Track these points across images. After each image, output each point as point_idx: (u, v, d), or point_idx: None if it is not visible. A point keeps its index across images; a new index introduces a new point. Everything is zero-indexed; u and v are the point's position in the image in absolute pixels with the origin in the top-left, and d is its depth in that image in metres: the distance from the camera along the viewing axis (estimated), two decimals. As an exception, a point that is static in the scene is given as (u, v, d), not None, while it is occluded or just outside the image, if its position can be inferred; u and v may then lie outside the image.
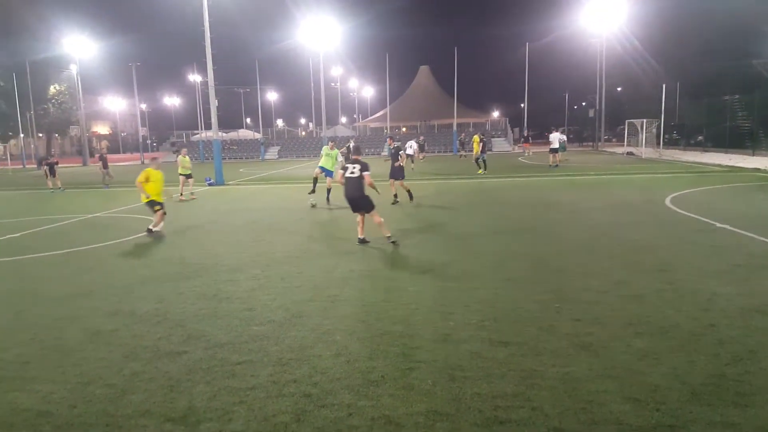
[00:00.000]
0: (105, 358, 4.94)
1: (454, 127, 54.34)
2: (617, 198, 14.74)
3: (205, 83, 30.39)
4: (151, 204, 11.31)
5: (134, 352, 5.01)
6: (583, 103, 75.98)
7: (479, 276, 7.23)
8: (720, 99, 35.34)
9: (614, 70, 54.76)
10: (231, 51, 65.90)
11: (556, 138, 27.77)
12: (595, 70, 51.52)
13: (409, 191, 14.84)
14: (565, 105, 76.19)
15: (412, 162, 28.31)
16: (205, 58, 24.56)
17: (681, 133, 42.22)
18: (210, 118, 26.31)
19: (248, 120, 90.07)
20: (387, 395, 4.00)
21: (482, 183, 19.93)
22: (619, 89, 63.13)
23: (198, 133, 62.97)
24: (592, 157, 36.06)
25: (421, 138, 30.56)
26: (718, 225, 10.11)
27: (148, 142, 69.49)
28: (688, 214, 11.51)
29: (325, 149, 15.74)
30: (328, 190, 15.48)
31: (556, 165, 26.89)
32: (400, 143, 15.52)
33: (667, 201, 13.55)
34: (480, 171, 24.53)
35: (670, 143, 41.23)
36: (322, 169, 15.50)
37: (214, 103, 25.49)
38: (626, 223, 10.84)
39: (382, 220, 9.42)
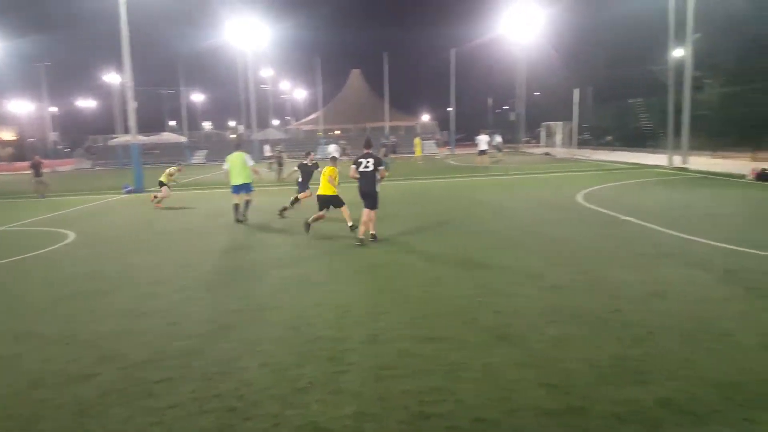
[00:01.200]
0: (10, 385, 4.63)
1: (386, 130, 54.93)
2: (536, 196, 15.48)
3: (123, 84, 29.03)
4: None
5: (41, 378, 4.70)
6: (506, 107, 79.12)
7: (410, 275, 7.41)
8: (625, 102, 37.88)
9: (533, 75, 57.50)
10: (151, 49, 63.22)
11: (483, 140, 28.69)
12: (515, 76, 53.81)
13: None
14: (490, 109, 79.02)
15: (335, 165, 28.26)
16: (123, 58, 23.47)
17: (592, 133, 44.87)
18: (129, 121, 25.15)
19: (172, 122, 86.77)
20: (315, 401, 4.04)
21: (411, 185, 20.29)
22: (537, 94, 66.29)
23: (116, 137, 59.97)
24: (514, 158, 37.53)
25: (342, 142, 30.67)
26: (624, 218, 10.90)
27: (59, 147, 65.24)
28: (598, 209, 12.30)
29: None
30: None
31: (485, 166, 27.71)
32: (316, 162, 13.23)
33: (579, 197, 14.40)
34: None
35: (583, 143, 43.69)
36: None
37: (132, 104, 24.38)
38: (544, 219, 11.43)
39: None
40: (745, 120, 27.34)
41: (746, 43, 33.42)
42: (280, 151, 27.29)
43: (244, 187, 12.60)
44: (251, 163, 12.65)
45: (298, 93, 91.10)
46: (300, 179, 13.22)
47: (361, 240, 9.47)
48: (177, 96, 65.59)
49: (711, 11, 30.15)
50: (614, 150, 37.10)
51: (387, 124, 55.91)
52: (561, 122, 38.34)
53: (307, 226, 10.56)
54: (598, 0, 44.70)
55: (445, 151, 42.29)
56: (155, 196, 17.02)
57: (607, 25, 44.07)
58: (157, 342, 5.40)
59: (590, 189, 16.24)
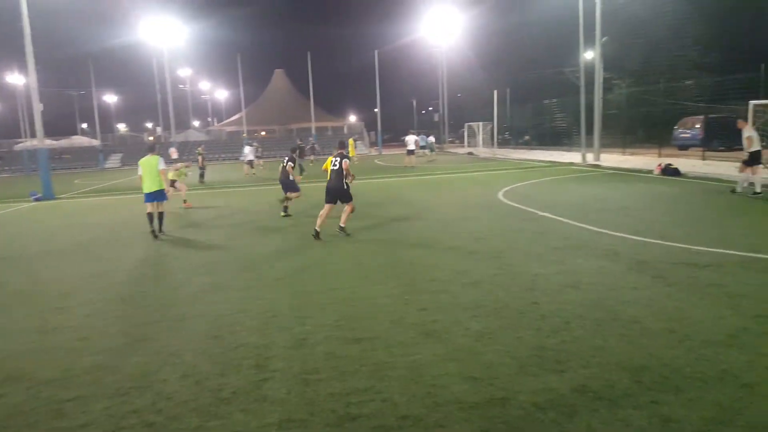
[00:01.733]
0: None
1: (313, 131, 54.47)
2: (460, 194, 15.87)
3: (27, 85, 27.00)
4: None
5: (-60, 403, 4.32)
6: (430, 108, 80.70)
7: (336, 276, 7.36)
8: (541, 103, 39.64)
9: (455, 77, 59.07)
10: (59, 48, 59.26)
11: (411, 140, 29.13)
12: (438, 78, 55.01)
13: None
14: (415, 110, 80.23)
15: (251, 167, 27.64)
16: (26, 57, 21.82)
17: (511, 133, 46.63)
18: (35, 125, 23.43)
19: (84, 125, 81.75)
20: (239, 411, 3.91)
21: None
22: (459, 95, 68.13)
23: (22, 142, 55.77)
24: (439, 158, 38.30)
25: (255, 144, 29.97)
26: (541, 213, 11.38)
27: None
28: (518, 205, 12.77)
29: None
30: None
31: (412, 166, 28.02)
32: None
33: (500, 195, 14.90)
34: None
35: (503, 143, 45.29)
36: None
37: (38, 107, 22.74)
38: (467, 216, 11.72)
39: (352, 211, 10.14)
40: (651, 118, 29.33)
41: (649, 46, 35.93)
42: (199, 154, 26.36)
43: (158, 195, 11.19)
44: (162, 166, 11.15)
45: (219, 93, 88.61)
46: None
47: (318, 232, 9.85)
48: (89, 97, 61.87)
49: (617, 16, 32.19)
50: (532, 149, 38.71)
51: (313, 125, 55.50)
52: (482, 123, 39.59)
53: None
54: (513, 5, 46.62)
55: (372, 152, 42.62)
56: (184, 200, 15.84)
57: (522, 29, 46.10)
58: (66, 359, 5.05)
59: (510, 186, 16.83)
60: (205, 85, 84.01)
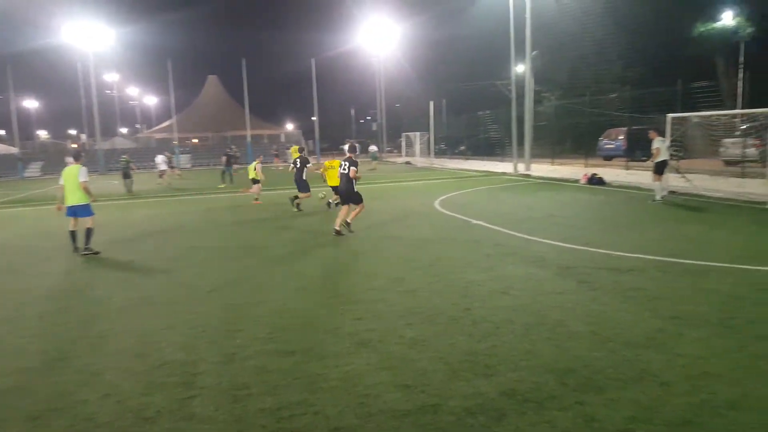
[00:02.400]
0: None
1: (248, 139, 53.47)
2: (398, 203, 15.99)
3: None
4: None
5: None
6: (368, 118, 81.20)
7: (270, 288, 7.22)
8: (476, 114, 40.75)
9: (393, 87, 59.77)
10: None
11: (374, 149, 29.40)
12: (376, 87, 55.46)
13: None
14: (353, 119, 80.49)
15: (160, 177, 26.71)
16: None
17: (447, 143, 47.62)
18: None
19: (1, 132, 76.67)
20: (163, 431, 3.75)
21: (278, 194, 19.89)
22: (397, 105, 68.97)
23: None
24: (378, 168, 38.53)
25: (167, 153, 28.84)
26: (475, 222, 11.65)
27: None
28: (452, 214, 13.02)
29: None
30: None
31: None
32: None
33: (436, 204, 15.15)
34: (221, 185, 24.01)
35: (440, 153, 46.17)
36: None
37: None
38: (405, 225, 11.83)
39: (361, 211, 10.93)
40: (578, 130, 30.71)
41: (576, 61, 37.70)
42: (128, 161, 25.14)
43: (81, 210, 10.00)
44: (83, 178, 9.83)
45: (149, 99, 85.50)
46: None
47: (338, 231, 10.62)
48: (6, 102, 58.16)
49: (546, 31, 33.63)
50: (467, 159, 39.64)
51: (248, 133, 54.46)
52: (419, 133, 40.26)
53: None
54: (448, 19, 47.77)
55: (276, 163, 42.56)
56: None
57: (457, 42, 47.27)
58: (-29, 383, 4.67)
59: (446, 196, 17.14)
60: (133, 91, 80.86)
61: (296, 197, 14.85)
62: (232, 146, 39.66)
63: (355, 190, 10.62)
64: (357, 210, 10.87)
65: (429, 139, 39.77)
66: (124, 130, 79.96)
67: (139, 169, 25.76)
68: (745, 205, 12.91)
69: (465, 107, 45.63)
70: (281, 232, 11.89)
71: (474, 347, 4.88)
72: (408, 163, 40.72)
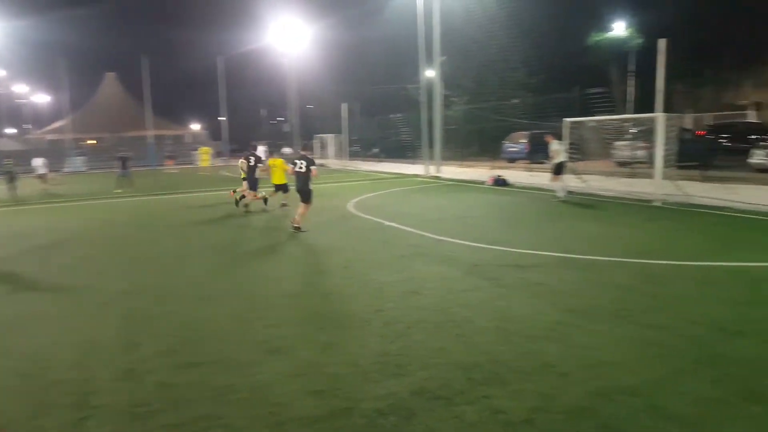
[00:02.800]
0: None
1: (150, 140, 50.83)
2: (314, 205, 15.76)
3: None
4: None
5: None
6: (280, 118, 79.81)
7: (171, 298, 6.86)
8: (388, 117, 41.33)
9: (305, 88, 59.16)
10: None
11: (261, 152, 28.66)
12: (287, 88, 54.64)
13: None
14: (264, 120, 78.71)
15: (44, 181, 24.60)
16: None
17: (361, 146, 47.92)
18: None
19: None
20: (52, 454, 3.45)
21: (180, 198, 19.03)
22: (310, 106, 68.37)
23: None
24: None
25: (41, 160, 26.54)
26: (387, 223, 11.77)
27: None
28: (366, 216, 13.08)
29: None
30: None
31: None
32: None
33: (350, 206, 15.15)
34: (117, 190, 22.67)
35: (354, 155, 46.34)
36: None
37: None
38: (318, 228, 11.68)
39: (306, 211, 11.12)
40: (484, 133, 31.97)
41: (482, 67, 39.21)
42: (12, 165, 22.88)
43: None
44: None
45: (39, 98, 79.04)
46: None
47: (297, 228, 10.92)
48: None
49: (454, 37, 34.68)
50: (381, 161, 40.05)
51: (150, 133, 51.80)
52: (333, 135, 40.20)
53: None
54: (360, 22, 48.14)
55: (218, 162, 41.15)
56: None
57: (369, 45, 47.75)
58: None
59: (360, 197, 17.19)
60: (22, 89, 74.41)
61: (243, 197, 14.88)
62: (121, 148, 36.84)
63: (310, 188, 10.98)
64: (302, 210, 11.11)
65: (342, 141, 39.82)
66: (10, 131, 73.34)
67: (23, 173, 23.50)
68: (635, 203, 13.97)
69: (378, 110, 46.16)
70: (184, 238, 11.38)
71: (386, 348, 4.91)
72: (321, 165, 40.47)
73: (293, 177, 11.26)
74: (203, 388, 4.30)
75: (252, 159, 14.87)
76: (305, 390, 4.17)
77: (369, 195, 18.10)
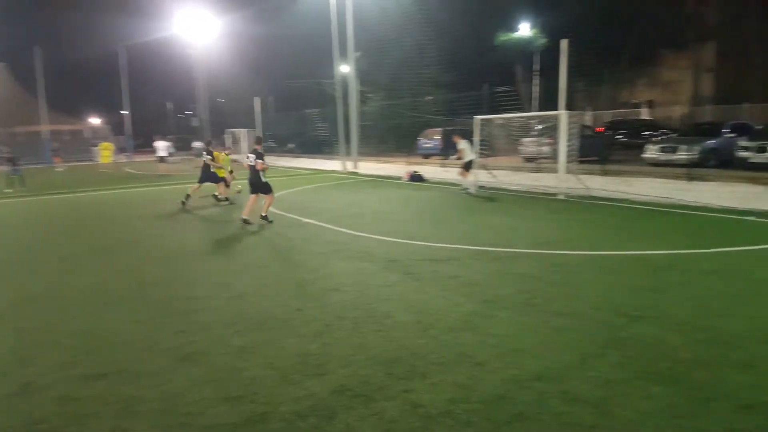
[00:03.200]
0: None
1: (44, 135, 47.02)
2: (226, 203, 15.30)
3: None
4: None
5: None
6: (188, 112, 76.51)
7: (72, 305, 6.36)
8: (304, 112, 40.83)
9: (215, 81, 57.18)
10: None
11: (162, 146, 27.59)
12: (196, 80, 52.56)
13: None
14: (171, 113, 74.96)
15: None
16: None
17: (276, 141, 47.03)
18: None
19: None
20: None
21: (80, 197, 17.74)
22: (221, 100, 66.11)
23: None
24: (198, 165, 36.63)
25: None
26: (305, 220, 11.63)
27: None
28: (283, 213, 12.83)
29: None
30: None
31: (168, 174, 26.22)
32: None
33: (266, 203, 14.79)
34: (8, 189, 21.01)
35: (268, 150, 45.35)
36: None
37: None
38: (230, 225, 11.34)
39: (271, 202, 11.48)
40: (400, 130, 32.37)
41: (397, 63, 39.64)
42: None
43: None
44: None
45: None
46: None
47: (246, 220, 11.08)
48: None
49: (369, 33, 34.80)
50: (297, 157, 39.52)
51: (45, 128, 48.03)
52: (246, 129, 39.06)
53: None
54: (273, 14, 47.10)
55: (121, 158, 38.90)
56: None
57: (283, 38, 46.83)
58: None
59: (276, 194, 16.81)
60: None
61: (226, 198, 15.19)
62: (2, 148, 33.22)
63: (264, 180, 11.22)
64: (267, 201, 11.37)
65: (256, 136, 38.89)
66: None
67: None
68: (542, 196, 14.69)
69: (293, 104, 45.46)
70: (87, 239, 10.63)
71: (305, 348, 4.83)
72: (234, 161, 39.33)
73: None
74: (108, 400, 4.03)
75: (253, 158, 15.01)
76: (220, 396, 4.01)
77: (286, 192, 17.78)
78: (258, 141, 12.31)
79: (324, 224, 11.06)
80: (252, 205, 11.32)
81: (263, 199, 11.39)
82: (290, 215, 12.50)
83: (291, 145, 43.92)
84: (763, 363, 4.33)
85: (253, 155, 11.54)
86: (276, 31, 46.44)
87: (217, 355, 4.77)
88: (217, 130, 57.51)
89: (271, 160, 37.74)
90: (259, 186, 11.32)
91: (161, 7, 50.51)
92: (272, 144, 46.87)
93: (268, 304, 6.14)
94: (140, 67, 59.80)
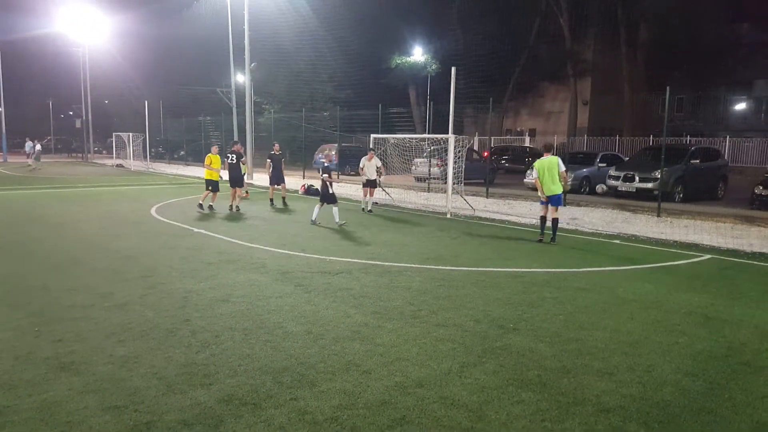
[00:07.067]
0: None
1: None
2: (106, 210, 14.44)
3: None
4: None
5: None
6: (70, 113, 70.91)
7: (-77, 317, 5.78)
8: (197, 119, 39.43)
9: (101, 81, 53.61)
10: None
11: (29, 147, 25.88)
12: (80, 80, 48.95)
13: None
14: (50, 113, 68.60)
15: None
16: None
17: (166, 147, 44.89)
18: None
19: None
20: None
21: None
22: (107, 102, 62.09)
23: None
24: (81, 169, 34.05)
25: None
26: (196, 230, 11.33)
27: None
28: (172, 221, 12.40)
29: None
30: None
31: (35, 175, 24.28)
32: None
33: (153, 211, 14.20)
34: None
35: (158, 157, 43.20)
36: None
37: None
38: (114, 234, 10.78)
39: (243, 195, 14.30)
40: (295, 142, 32.27)
41: (293, 77, 39.60)
42: None
43: None
44: None
45: None
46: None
47: (231, 206, 14.42)
48: None
49: (265, 44, 34.51)
50: (188, 164, 38.03)
51: None
52: (133, 134, 36.97)
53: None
54: (167, 18, 45.21)
55: None
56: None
57: (177, 43, 45.08)
58: None
59: (165, 202, 16.19)
60: None
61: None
62: None
63: (242, 175, 14.68)
64: (239, 194, 14.43)
65: (145, 140, 36.91)
66: None
67: None
68: (431, 215, 15.42)
69: (185, 111, 43.74)
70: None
71: (192, 358, 4.79)
72: (120, 165, 37.09)
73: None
74: (-28, 415, 3.76)
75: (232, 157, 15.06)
76: (101, 406, 3.90)
77: (175, 200, 17.14)
78: (238, 143, 16.22)
79: (215, 234, 10.86)
80: (232, 198, 14.65)
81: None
82: (179, 224, 12.10)
83: (182, 152, 42.14)
84: (621, 371, 4.83)
85: (234, 155, 14.72)
86: (170, 33, 44.63)
87: (98, 364, 4.60)
88: (103, 133, 53.83)
89: (160, 167, 36.14)
90: (238, 181, 14.85)
91: (47, 2, 46.73)
92: (161, 150, 44.72)
93: (153, 314, 5.98)
94: (19, 63, 54.73)
